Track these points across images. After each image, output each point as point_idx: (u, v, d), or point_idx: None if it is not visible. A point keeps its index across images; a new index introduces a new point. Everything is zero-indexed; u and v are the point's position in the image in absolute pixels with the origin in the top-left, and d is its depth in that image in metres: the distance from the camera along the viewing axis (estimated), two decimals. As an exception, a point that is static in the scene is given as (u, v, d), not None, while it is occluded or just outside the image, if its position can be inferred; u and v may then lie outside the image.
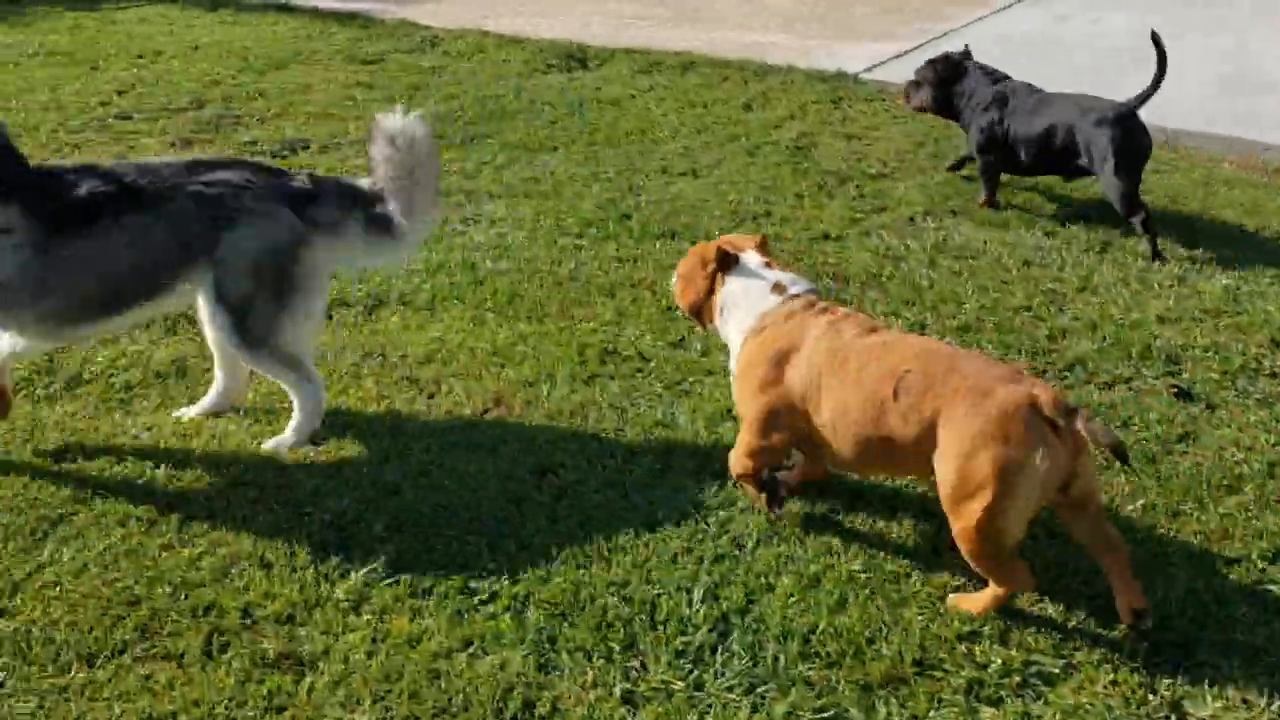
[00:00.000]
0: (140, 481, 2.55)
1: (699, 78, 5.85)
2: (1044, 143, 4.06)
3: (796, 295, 2.49)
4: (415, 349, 3.18)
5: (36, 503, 2.49)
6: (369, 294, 3.51)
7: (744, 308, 2.52)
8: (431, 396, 2.95)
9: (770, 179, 4.43)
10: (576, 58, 6.31)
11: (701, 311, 2.61)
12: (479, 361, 3.10)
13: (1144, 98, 3.91)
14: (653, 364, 3.07)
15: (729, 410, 2.72)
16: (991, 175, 4.28)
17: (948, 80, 4.37)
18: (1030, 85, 4.28)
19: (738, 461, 2.45)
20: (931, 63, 4.45)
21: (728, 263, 2.56)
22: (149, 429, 2.78)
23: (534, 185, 4.41)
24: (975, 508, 2.11)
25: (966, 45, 4.53)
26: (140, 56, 6.32)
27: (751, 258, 2.58)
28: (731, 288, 2.55)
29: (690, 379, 3.00)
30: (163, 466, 2.59)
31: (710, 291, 2.58)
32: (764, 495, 2.44)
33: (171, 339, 3.25)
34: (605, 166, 4.59)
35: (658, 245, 3.82)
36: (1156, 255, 3.82)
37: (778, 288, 2.51)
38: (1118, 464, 2.33)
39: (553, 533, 2.39)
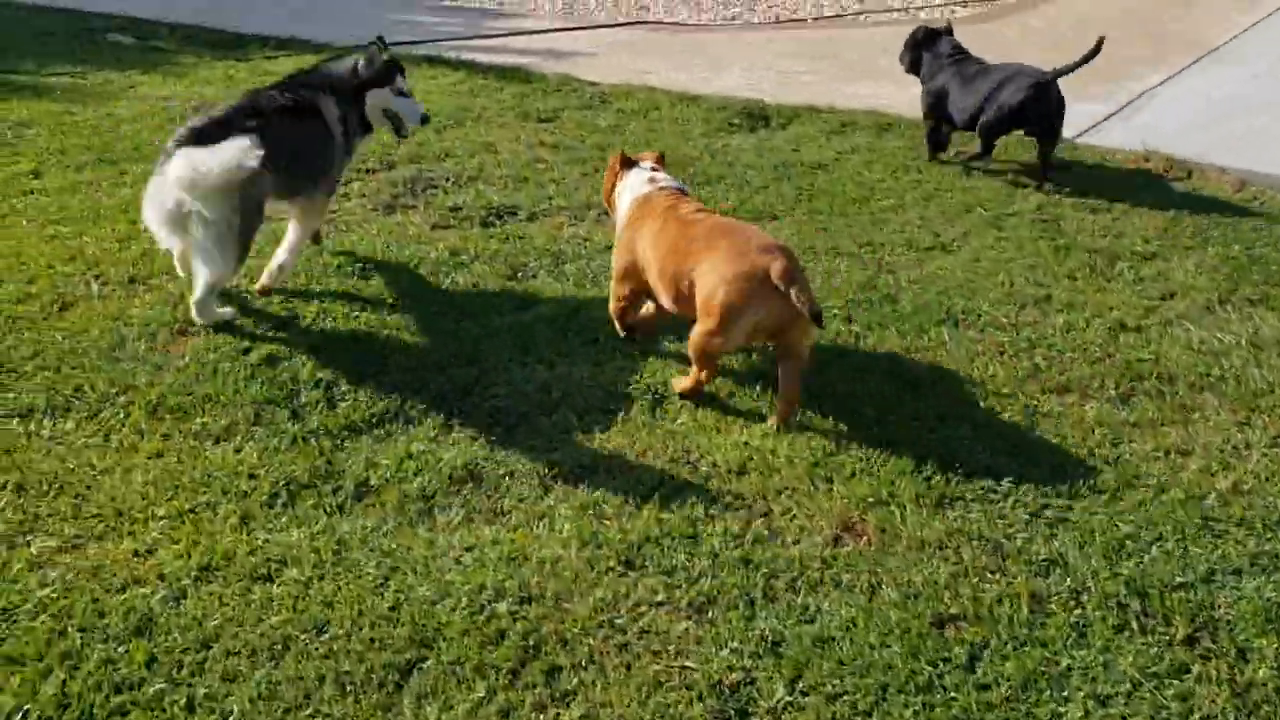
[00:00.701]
0: (482, 616, 2.27)
1: (900, 139, 5.55)
2: (978, 106, 4.82)
3: (664, 188, 3.38)
4: (723, 455, 2.88)
5: (375, 645, 2.21)
6: (647, 386, 3.22)
7: (628, 195, 3.44)
8: (765, 515, 2.64)
9: (1030, 256, 4.11)
10: (757, 116, 6.04)
11: (610, 199, 3.56)
12: (801, 474, 2.79)
13: (1063, 72, 4.71)
14: (1006, 481, 2.74)
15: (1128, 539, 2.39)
16: (934, 132, 5.17)
17: (923, 45, 5.24)
18: (979, 59, 5.11)
19: (611, 304, 3.45)
20: (914, 32, 5.33)
21: (628, 164, 3.53)
22: (469, 549, 2.51)
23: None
24: (704, 327, 3.00)
25: (949, 21, 5.51)
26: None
27: (645, 164, 3.52)
28: (627, 181, 3.48)
29: (1069, 502, 2.67)
30: (504, 600, 2.31)
31: (614, 185, 3.53)
32: (624, 332, 3.43)
33: (454, 436, 2.98)
34: (841, 239, 4.30)
35: (943, 332, 3.50)
36: (1044, 182, 4.71)
37: (652, 181, 3.42)
38: None
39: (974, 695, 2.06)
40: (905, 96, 6.27)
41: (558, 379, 3.29)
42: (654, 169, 3.49)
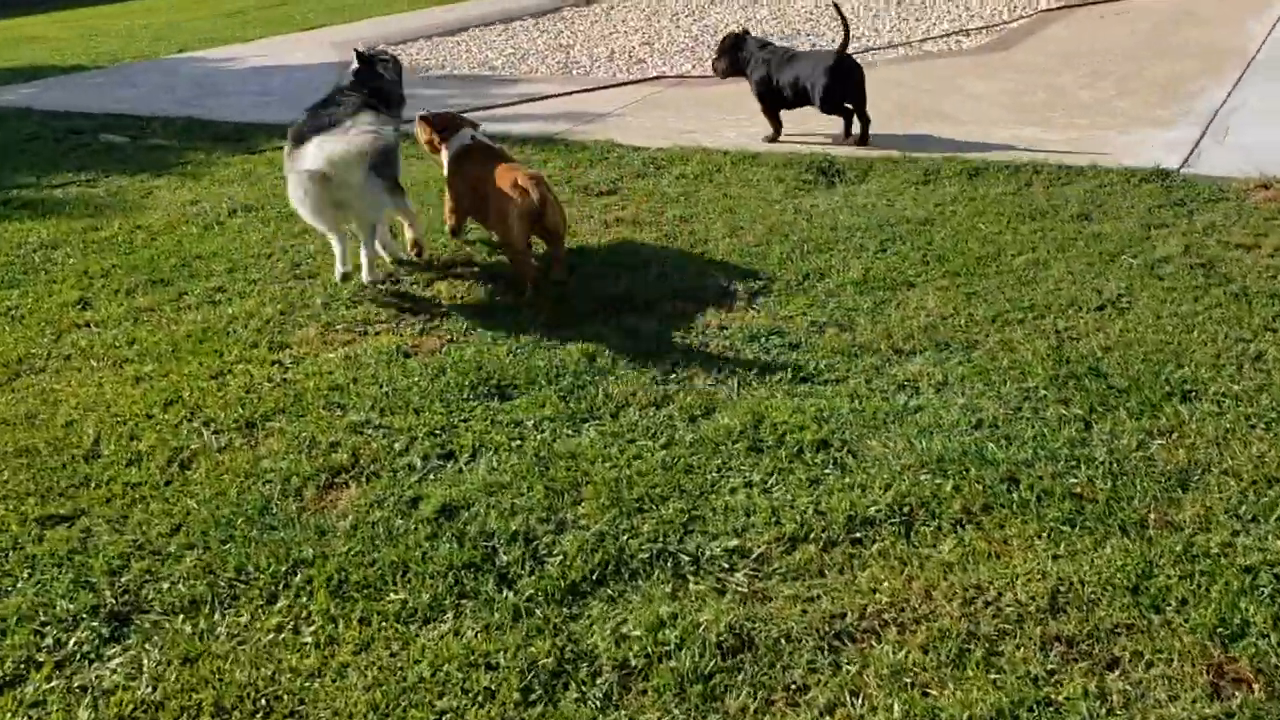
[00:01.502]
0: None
1: (996, 184, 5.28)
2: (795, 84, 5.98)
3: (475, 139, 4.77)
4: (1022, 588, 2.53)
5: None
6: (890, 506, 2.87)
7: (451, 146, 4.75)
8: (1113, 666, 2.30)
9: (1212, 308, 3.83)
10: (829, 170, 5.76)
11: (436, 148, 4.86)
12: (1126, 604, 2.45)
13: (842, 48, 5.92)
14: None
15: None
16: (771, 113, 6.25)
17: (734, 49, 6.25)
18: (787, 47, 6.34)
19: (446, 222, 4.89)
20: (722, 40, 6.34)
21: (457, 122, 4.89)
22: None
23: (934, 333, 3.81)
24: (503, 230, 4.37)
25: (745, 26, 6.78)
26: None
27: (466, 128, 4.84)
28: (451, 141, 4.78)
29: None
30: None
31: (442, 142, 4.81)
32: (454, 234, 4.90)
33: (695, 590, 2.60)
34: (997, 304, 4.00)
35: (1178, 410, 3.20)
36: (863, 141, 6.01)
37: (468, 133, 4.78)
38: None
39: None
40: (976, 137, 6.04)
41: (782, 505, 2.93)
42: (470, 130, 4.85)
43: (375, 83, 4.95)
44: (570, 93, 8.22)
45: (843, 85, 5.95)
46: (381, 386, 3.71)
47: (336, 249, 4.58)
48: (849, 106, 6.10)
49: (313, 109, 4.71)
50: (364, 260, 4.59)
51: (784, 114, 6.38)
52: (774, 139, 6.30)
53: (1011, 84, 7.29)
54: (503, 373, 3.75)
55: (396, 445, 3.35)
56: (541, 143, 6.72)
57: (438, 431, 3.41)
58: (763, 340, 3.87)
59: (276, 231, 5.42)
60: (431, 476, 3.18)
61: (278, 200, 5.89)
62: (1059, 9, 10.17)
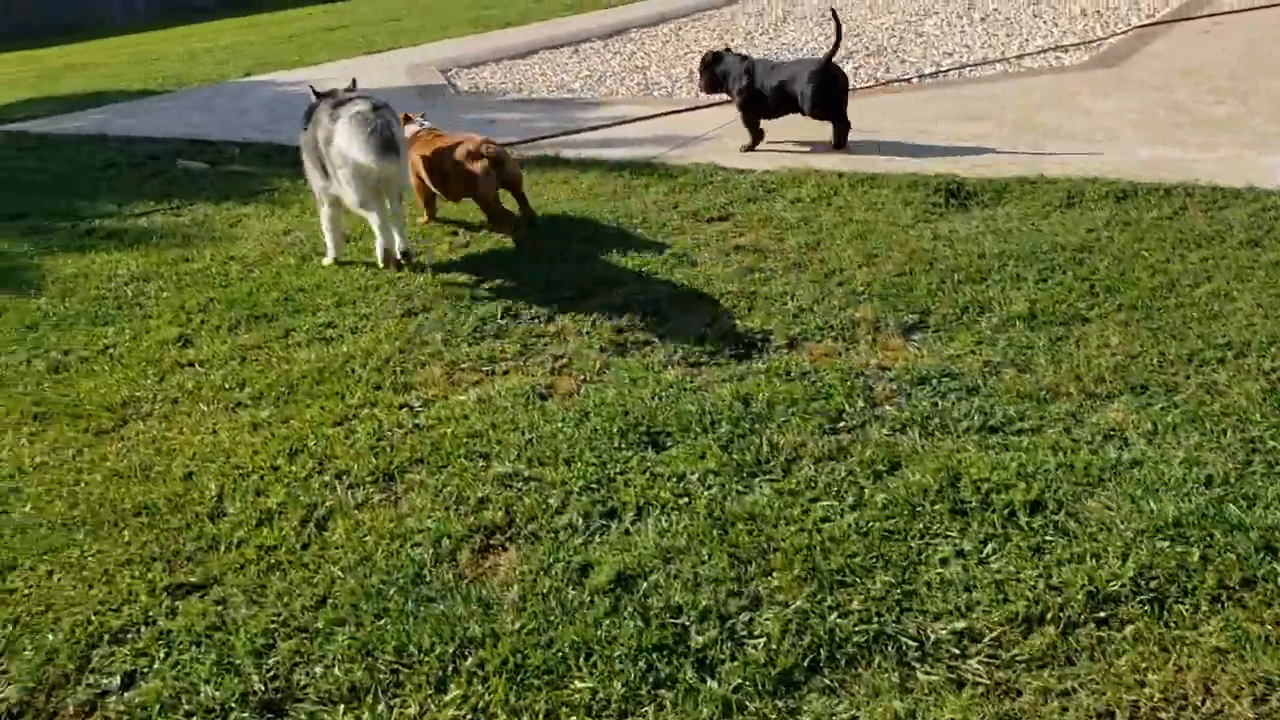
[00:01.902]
0: None
1: (1150, 208, 4.91)
2: (780, 92, 6.21)
3: (425, 126, 5.51)
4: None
5: None
6: (1134, 579, 2.51)
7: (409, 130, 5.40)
8: None
9: None
10: (958, 192, 5.41)
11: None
12: None
13: (830, 55, 6.16)
14: None
15: None
16: (751, 123, 6.44)
17: (712, 65, 6.48)
18: (766, 59, 6.86)
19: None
20: (702, 58, 6.59)
21: (408, 119, 5.46)
22: None
23: (1126, 374, 3.44)
24: (473, 187, 5.19)
25: (727, 45, 7.61)
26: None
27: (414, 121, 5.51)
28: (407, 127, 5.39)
29: None
30: None
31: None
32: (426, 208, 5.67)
33: (923, 680, 2.25)
34: (1190, 344, 3.63)
35: None
36: (839, 146, 6.30)
37: (417, 123, 5.51)
38: None
39: None
40: (1111, 157, 5.67)
41: (1006, 578, 2.58)
42: (419, 119, 5.59)
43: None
44: (658, 115, 7.93)
45: (828, 90, 6.21)
46: (523, 433, 3.41)
47: (380, 226, 4.95)
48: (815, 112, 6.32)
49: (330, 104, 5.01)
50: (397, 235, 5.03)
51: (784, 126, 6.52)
52: (751, 148, 6.50)
53: (1133, 101, 6.91)
54: (651, 418, 3.43)
55: (551, 501, 3.04)
56: (638, 168, 6.42)
57: (594, 485, 3.09)
58: (934, 383, 3.53)
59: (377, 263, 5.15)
60: (597, 538, 2.86)
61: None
62: (1154, 25, 9.78)
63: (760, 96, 6.31)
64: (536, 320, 4.35)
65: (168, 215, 6.36)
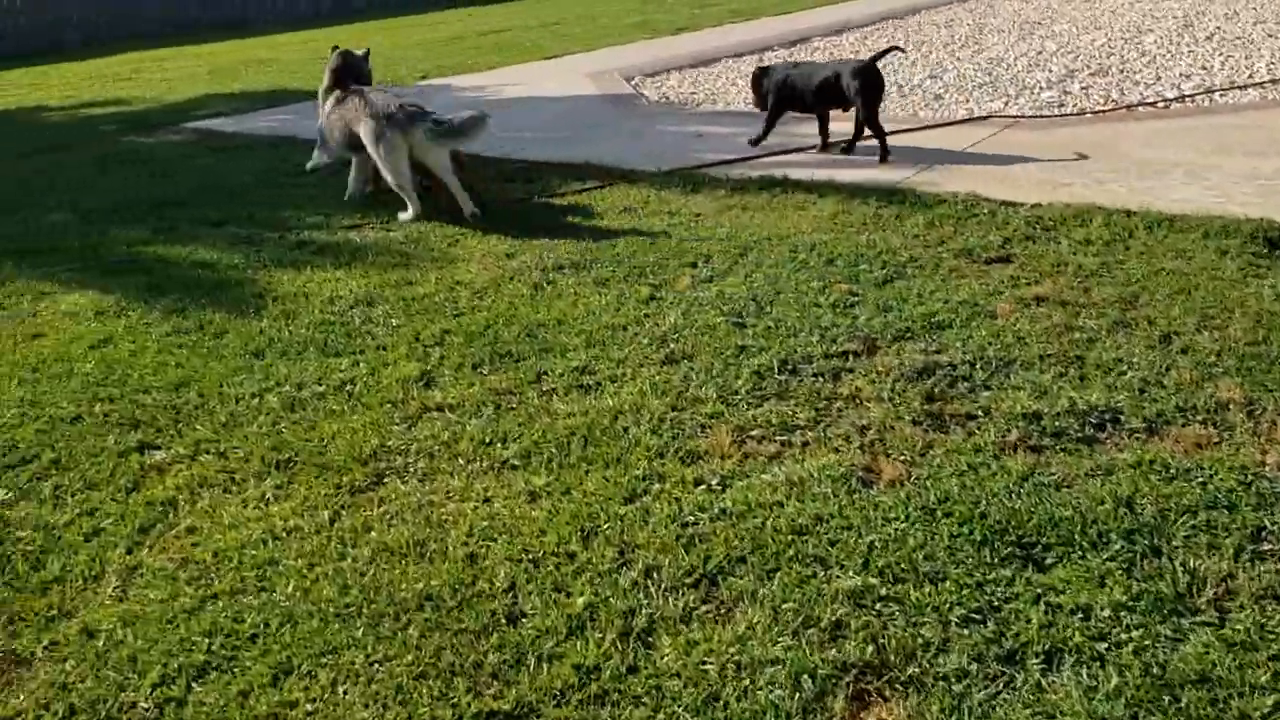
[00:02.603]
0: None
1: None
2: (820, 89, 6.56)
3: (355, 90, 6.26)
4: None
5: None
6: None
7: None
8: None
9: None
10: (1277, 242, 4.65)
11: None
12: None
13: (877, 57, 6.58)
14: None
15: None
16: (773, 119, 6.92)
17: (760, 79, 6.89)
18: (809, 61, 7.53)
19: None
20: (754, 75, 6.96)
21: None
22: None
23: None
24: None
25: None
26: (696, 263, 4.96)
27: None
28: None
29: None
30: None
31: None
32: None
33: None
34: None
35: None
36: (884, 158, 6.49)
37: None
38: None
39: None
40: None
41: None
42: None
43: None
44: (895, 132, 7.29)
45: (871, 87, 6.45)
46: (859, 533, 2.84)
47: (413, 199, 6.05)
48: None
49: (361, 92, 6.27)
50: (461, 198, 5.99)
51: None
52: (757, 142, 6.96)
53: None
54: (1018, 523, 2.82)
55: (924, 633, 2.46)
56: (883, 195, 5.81)
57: (975, 615, 2.51)
58: (1371, 496, 2.83)
59: (620, 296, 4.66)
60: (1003, 694, 2.27)
61: (609, 258, 5.15)
62: None
63: (800, 93, 6.77)
64: (821, 378, 3.78)
65: (378, 230, 6.00)
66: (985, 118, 7.57)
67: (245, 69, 14.66)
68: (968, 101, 8.42)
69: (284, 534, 3.07)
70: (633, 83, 10.58)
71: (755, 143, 7.00)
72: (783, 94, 6.77)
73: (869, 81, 6.45)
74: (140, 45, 19.41)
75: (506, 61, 13.10)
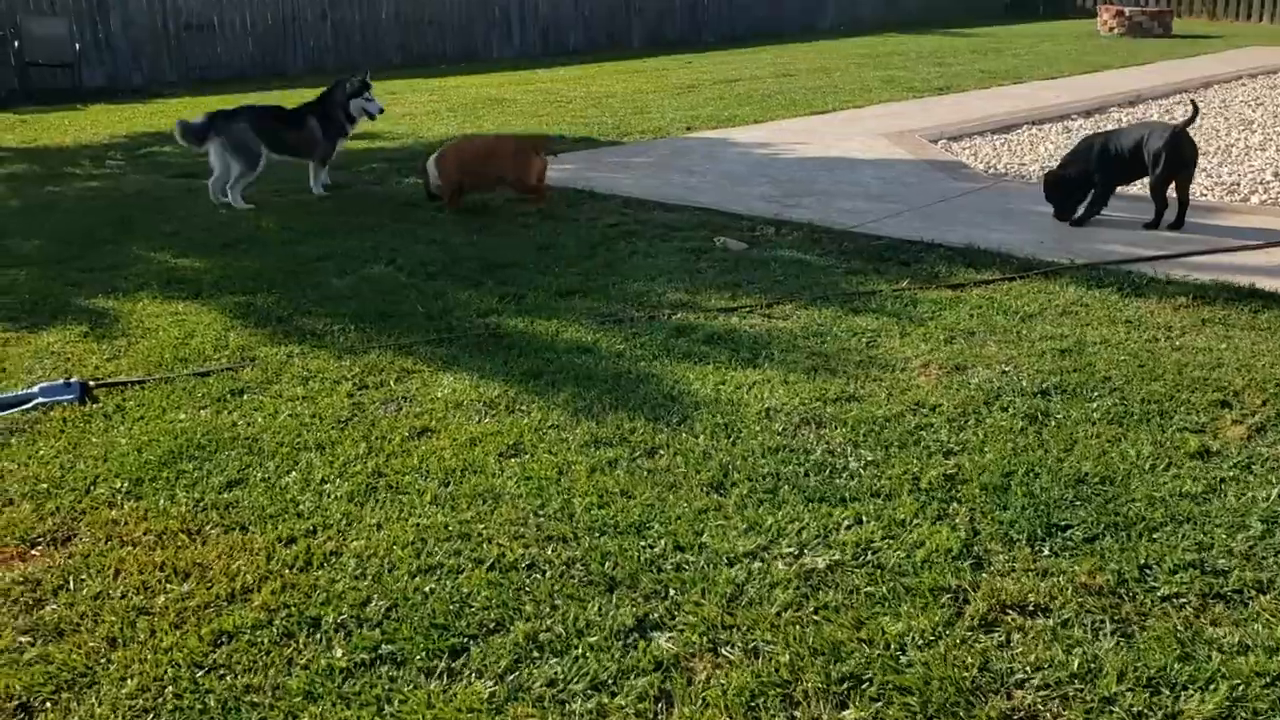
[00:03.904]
0: None
1: None
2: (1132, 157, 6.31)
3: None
4: None
5: None
6: None
7: None
8: None
9: None
10: None
11: None
12: None
13: (1188, 122, 6.28)
14: None
15: None
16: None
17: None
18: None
19: None
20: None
21: None
22: None
23: None
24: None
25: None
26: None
27: None
28: None
29: None
30: None
31: None
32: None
33: None
34: None
35: None
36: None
37: None
38: None
39: None
40: None
41: None
42: None
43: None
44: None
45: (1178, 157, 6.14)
46: None
47: None
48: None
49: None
50: None
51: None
52: (1081, 222, 6.53)
53: None
54: None
55: None
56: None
57: None
58: None
59: (1157, 443, 3.61)
60: None
61: (1096, 381, 4.12)
62: None
63: (1115, 158, 6.47)
64: None
65: (761, 316, 5.12)
66: None
67: (481, 108, 14.22)
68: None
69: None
70: (939, 146, 9.58)
71: (1079, 223, 6.54)
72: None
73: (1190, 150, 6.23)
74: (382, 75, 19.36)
75: (771, 116, 12.26)
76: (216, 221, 7.42)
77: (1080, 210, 6.54)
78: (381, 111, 8.06)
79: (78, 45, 15.98)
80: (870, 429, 3.85)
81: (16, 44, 15.33)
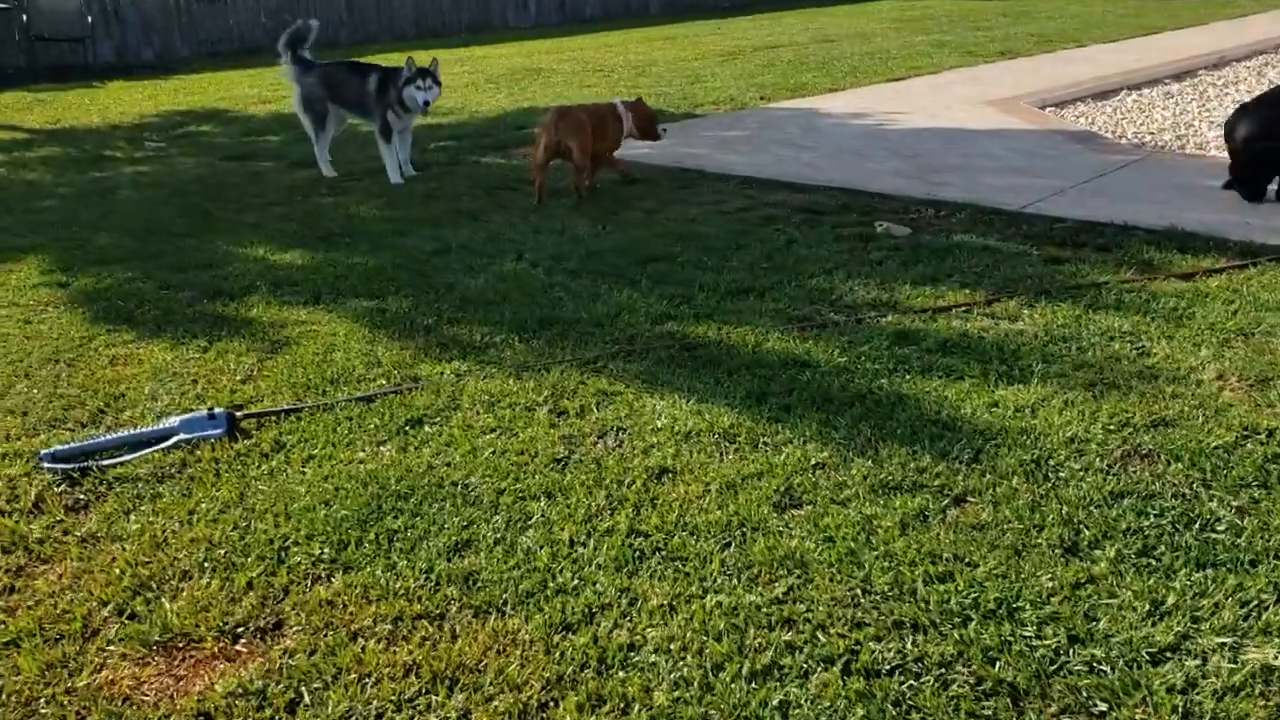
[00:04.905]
0: None
1: None
2: None
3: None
4: None
5: None
6: None
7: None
8: None
9: None
10: None
11: None
12: None
13: None
14: None
15: None
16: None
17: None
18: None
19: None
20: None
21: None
22: None
23: None
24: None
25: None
26: None
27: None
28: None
29: None
30: None
31: None
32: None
33: None
34: None
35: None
36: None
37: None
38: None
39: None
40: None
41: None
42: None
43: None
44: None
45: None
46: None
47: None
48: None
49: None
50: None
51: None
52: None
53: None
54: None
55: None
56: None
57: None
58: None
59: None
60: None
61: None
62: None
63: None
64: None
65: (984, 317, 4.46)
66: None
67: (523, 78, 13.44)
68: None
69: None
70: (1049, 114, 8.91)
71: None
72: None
73: None
74: (396, 46, 18.51)
75: (843, 84, 11.55)
76: (300, 211, 6.69)
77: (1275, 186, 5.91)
78: (426, 106, 7.03)
79: (89, 19, 15.07)
80: (1213, 463, 3.20)
81: (24, 18, 14.42)
